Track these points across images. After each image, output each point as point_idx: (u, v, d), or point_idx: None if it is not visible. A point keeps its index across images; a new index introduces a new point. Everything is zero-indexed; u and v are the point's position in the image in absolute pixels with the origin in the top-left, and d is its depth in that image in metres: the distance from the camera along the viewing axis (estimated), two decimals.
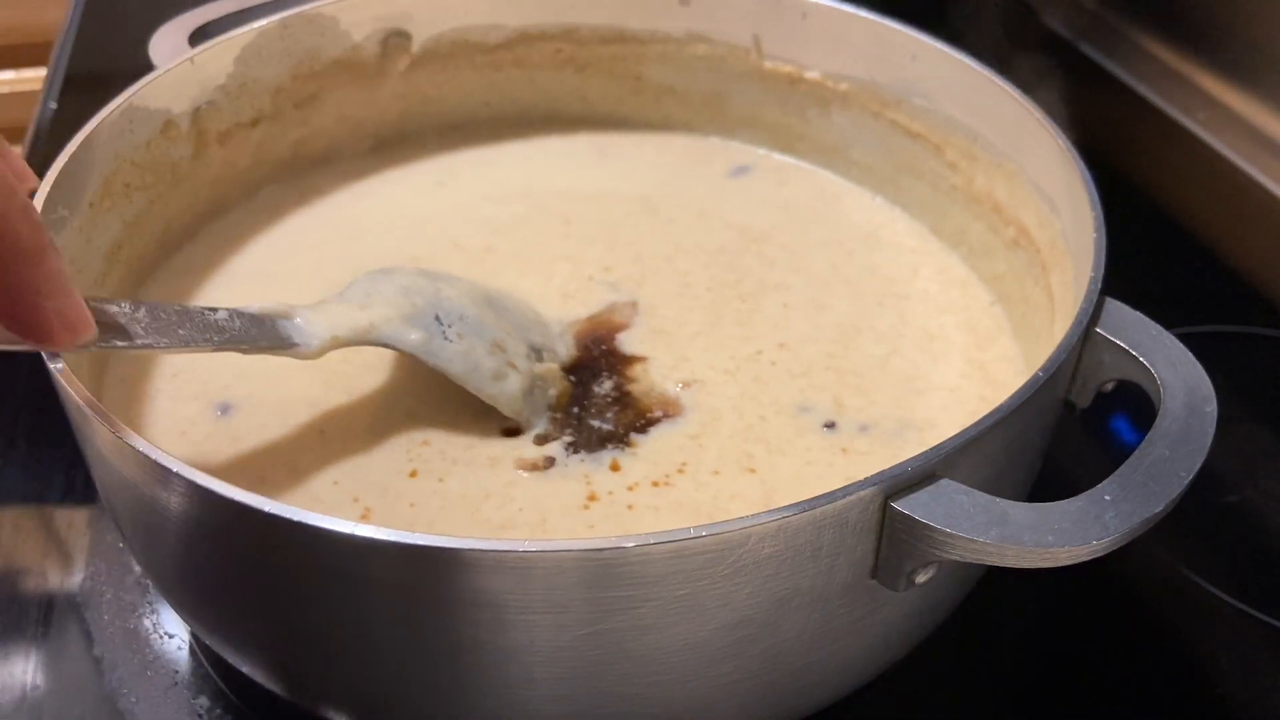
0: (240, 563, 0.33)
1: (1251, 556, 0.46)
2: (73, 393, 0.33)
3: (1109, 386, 0.38)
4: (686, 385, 0.44)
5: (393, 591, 0.31)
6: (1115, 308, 0.37)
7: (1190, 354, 0.36)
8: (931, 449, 0.32)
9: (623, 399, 0.43)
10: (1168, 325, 0.36)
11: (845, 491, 0.31)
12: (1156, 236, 0.57)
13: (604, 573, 0.30)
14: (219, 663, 0.42)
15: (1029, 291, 0.46)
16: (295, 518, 0.30)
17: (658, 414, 0.43)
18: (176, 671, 0.42)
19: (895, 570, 0.32)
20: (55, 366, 0.34)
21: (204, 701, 0.41)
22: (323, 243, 0.50)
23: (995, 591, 0.39)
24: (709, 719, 0.35)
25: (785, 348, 0.46)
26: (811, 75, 0.54)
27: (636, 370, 0.45)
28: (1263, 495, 0.48)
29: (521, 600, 0.30)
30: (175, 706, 0.41)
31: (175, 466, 0.31)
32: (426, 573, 0.30)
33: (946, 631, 0.39)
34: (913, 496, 0.31)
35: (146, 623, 0.43)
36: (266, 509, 0.30)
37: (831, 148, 0.55)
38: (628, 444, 0.42)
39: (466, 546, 0.30)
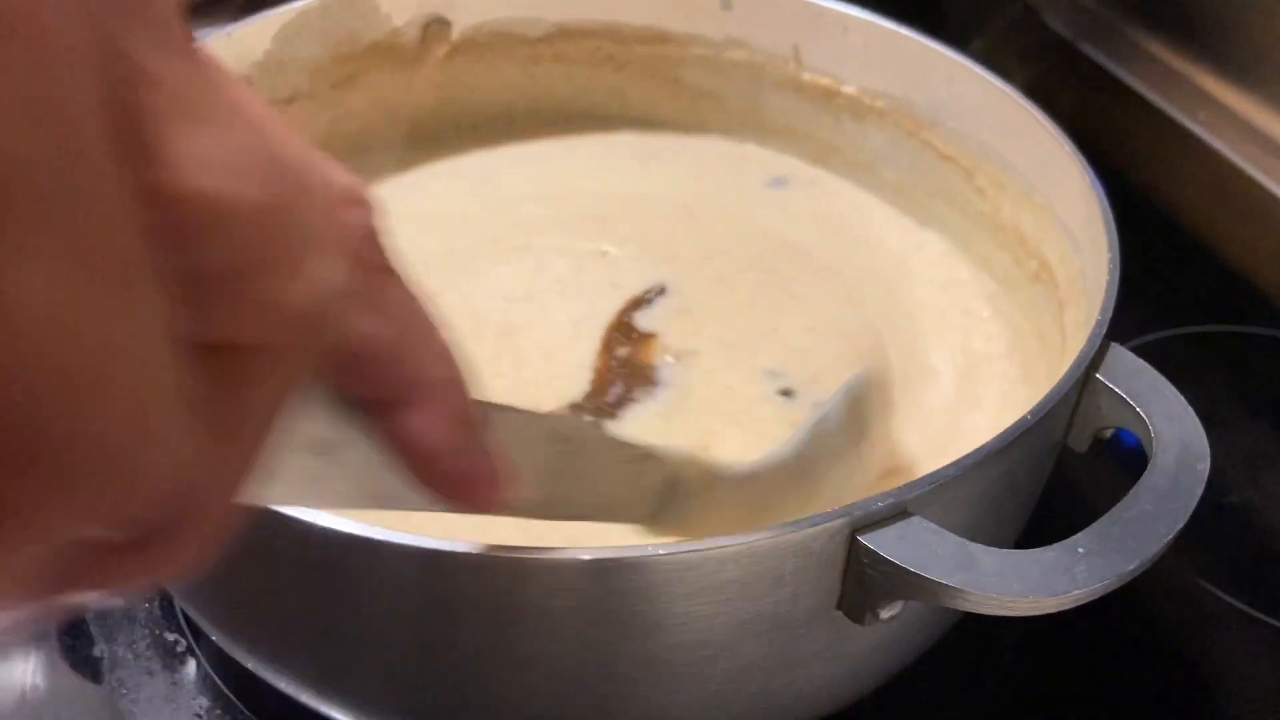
0: (261, 565, 0.33)
1: (1252, 557, 0.46)
2: None
3: (1107, 433, 0.37)
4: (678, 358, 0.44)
5: (401, 597, 0.31)
6: (1119, 354, 0.36)
7: (1191, 410, 0.35)
8: (905, 485, 0.31)
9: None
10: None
11: (811, 521, 0.30)
12: (1156, 236, 0.57)
13: (566, 581, 0.30)
14: (219, 664, 0.42)
15: (1045, 328, 0.45)
16: (310, 519, 0.30)
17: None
18: (177, 672, 0.42)
19: (860, 604, 0.32)
20: None
21: (204, 702, 0.41)
22: None
23: None
24: None
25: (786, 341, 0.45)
26: (849, 90, 0.53)
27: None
28: (1263, 495, 0.47)
29: (510, 601, 0.31)
30: (175, 707, 0.41)
31: None
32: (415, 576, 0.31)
33: (947, 634, 0.38)
34: (881, 531, 0.31)
35: (147, 623, 0.43)
36: (295, 514, 0.29)
37: (864, 164, 0.54)
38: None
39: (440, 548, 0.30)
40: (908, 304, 0.49)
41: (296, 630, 0.35)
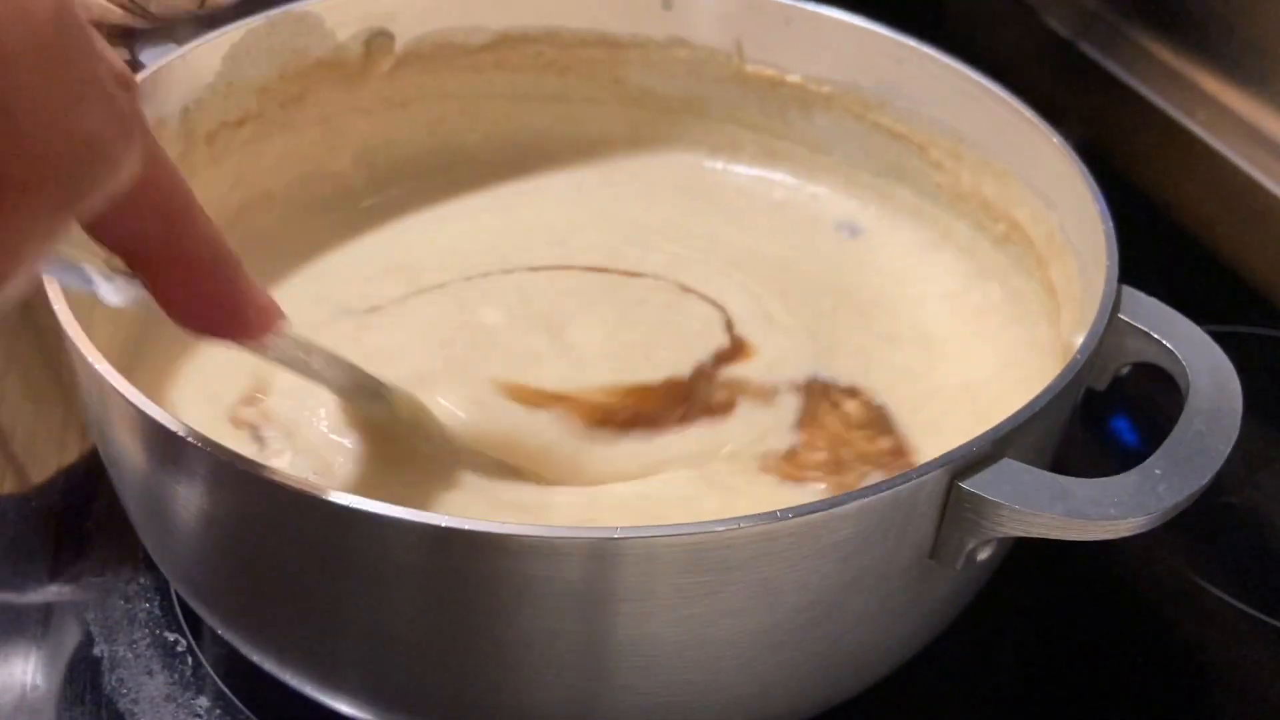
0: (272, 547, 0.33)
1: (1252, 557, 0.47)
2: (95, 365, 0.32)
3: (1125, 370, 0.39)
4: None
5: (464, 582, 0.31)
6: (1131, 294, 0.39)
7: (1207, 336, 0.38)
8: (994, 428, 0.33)
9: None
10: None
11: (918, 472, 0.31)
12: (1156, 236, 0.58)
13: (691, 558, 0.30)
14: (219, 663, 0.41)
15: (1019, 286, 0.48)
16: (332, 498, 0.30)
17: None
18: (177, 672, 0.41)
19: (956, 548, 0.33)
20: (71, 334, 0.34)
21: (204, 702, 0.40)
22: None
23: (996, 594, 0.40)
24: (759, 705, 0.36)
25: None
26: (793, 79, 0.55)
27: None
28: (1263, 495, 0.49)
29: (607, 588, 0.30)
30: (175, 707, 0.40)
31: (199, 441, 0.31)
32: (474, 560, 0.30)
33: (948, 634, 0.39)
34: (979, 476, 0.32)
35: (147, 623, 0.43)
36: (315, 493, 0.30)
37: (813, 149, 0.56)
38: None
39: (552, 535, 0.30)
40: (871, 286, 0.51)
41: (295, 606, 0.34)
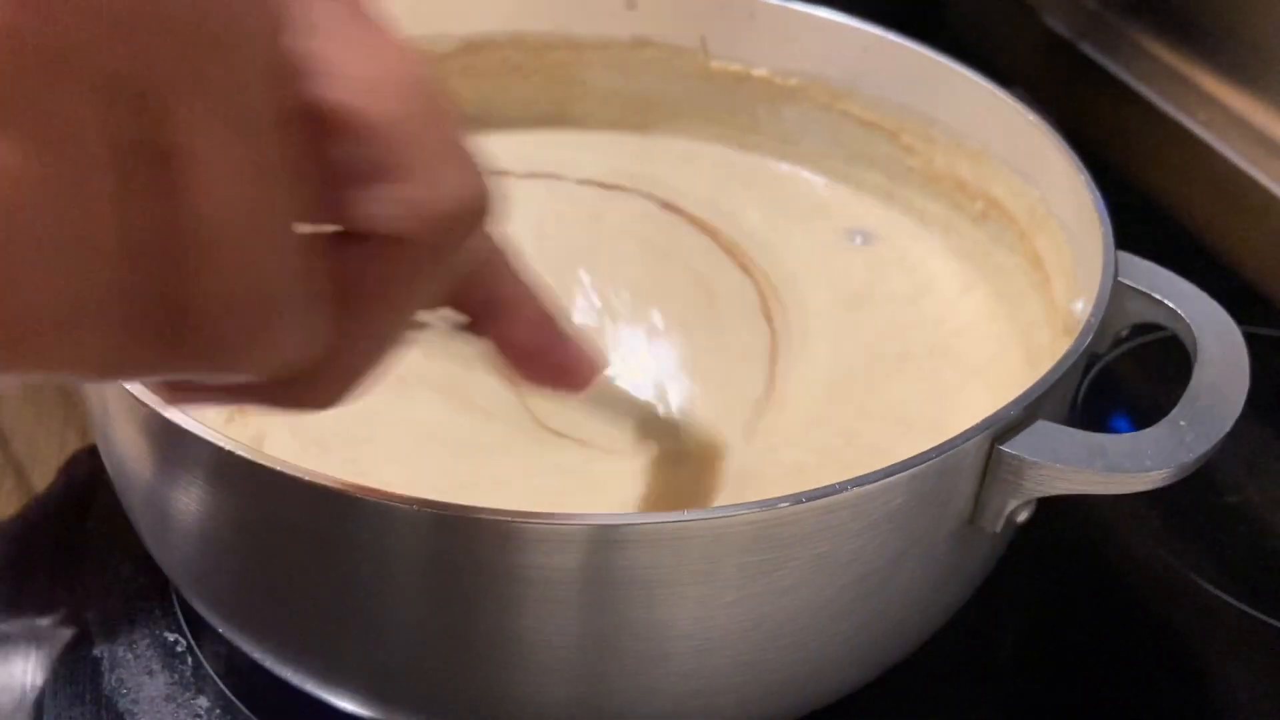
0: (273, 538, 0.33)
1: (1252, 557, 0.47)
2: None
3: (1125, 332, 0.41)
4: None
5: (473, 571, 0.31)
6: (1126, 258, 0.40)
7: (1204, 293, 0.39)
8: (1026, 392, 0.34)
9: None
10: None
11: (964, 438, 0.32)
12: (1156, 236, 0.56)
13: (756, 536, 0.30)
14: (219, 663, 0.41)
15: (1001, 260, 0.49)
16: (331, 485, 0.29)
17: None
18: (177, 672, 0.41)
19: (996, 511, 0.34)
20: None
21: (204, 702, 0.40)
22: None
23: (996, 593, 0.40)
24: (816, 684, 0.36)
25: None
26: (759, 73, 0.56)
27: None
28: (1263, 496, 0.49)
29: (673, 573, 0.30)
30: (175, 707, 0.40)
31: (200, 430, 0.30)
32: (582, 553, 0.30)
33: (946, 633, 0.39)
34: (1018, 438, 0.33)
35: (147, 623, 0.42)
36: (317, 480, 0.29)
37: (782, 141, 0.56)
38: None
39: (608, 522, 0.30)
40: (852, 268, 0.52)
41: (298, 600, 0.34)
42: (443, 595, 0.32)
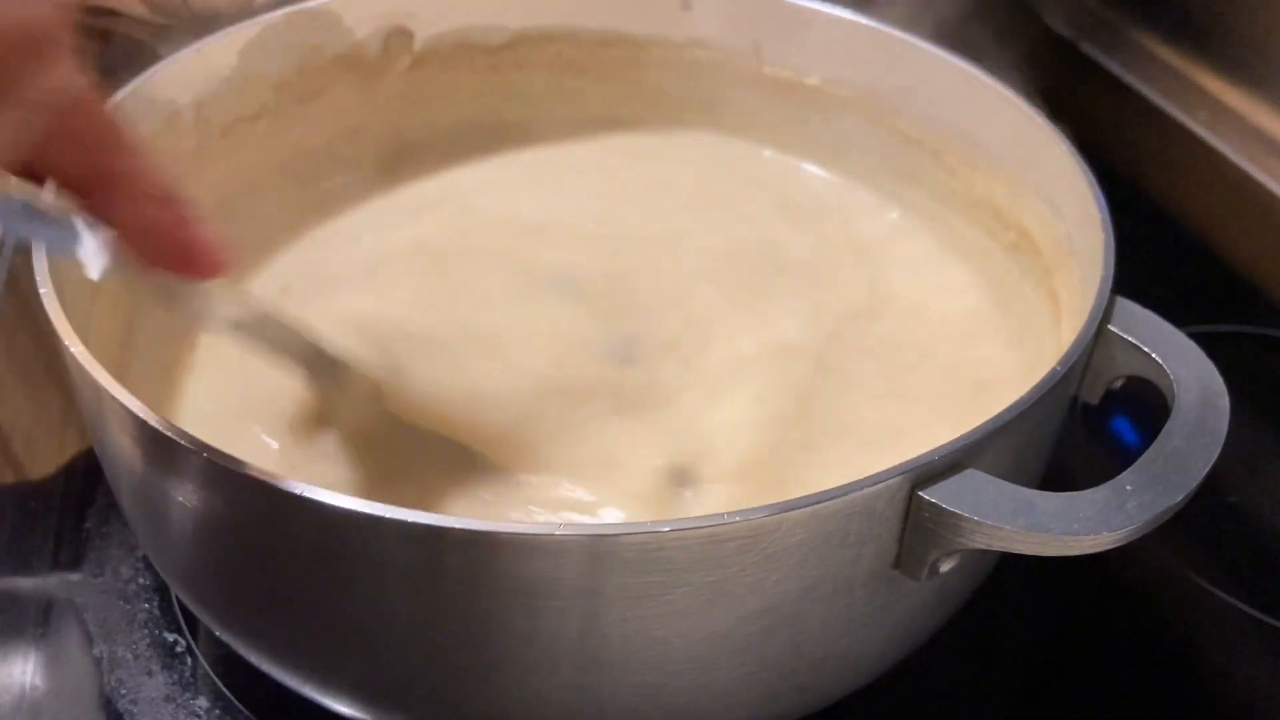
0: (267, 549, 0.33)
1: (1253, 557, 0.47)
2: (89, 369, 0.33)
3: (1118, 383, 0.38)
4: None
5: (414, 575, 0.31)
6: (1126, 305, 0.38)
7: (1200, 350, 0.36)
8: (958, 438, 0.32)
9: None
10: None
11: (874, 480, 0.31)
12: (1157, 236, 0.58)
13: (639, 558, 0.30)
14: (219, 663, 0.41)
15: (1028, 294, 0.47)
16: (322, 499, 0.30)
17: None
18: (176, 672, 0.41)
19: (919, 559, 0.33)
20: (65, 337, 0.34)
21: (203, 702, 0.41)
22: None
23: (996, 594, 0.40)
24: (724, 713, 0.35)
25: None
26: (811, 81, 0.54)
27: None
28: (1263, 495, 0.48)
29: (552, 586, 0.30)
30: (175, 707, 0.40)
31: (191, 443, 0.31)
32: (453, 557, 0.30)
33: (948, 633, 0.39)
34: (940, 485, 0.31)
35: (146, 623, 0.43)
36: (309, 494, 0.30)
37: (832, 152, 0.55)
38: None
39: (499, 530, 0.30)
40: (885, 287, 0.50)
41: (292, 608, 0.35)
42: (431, 602, 0.32)
